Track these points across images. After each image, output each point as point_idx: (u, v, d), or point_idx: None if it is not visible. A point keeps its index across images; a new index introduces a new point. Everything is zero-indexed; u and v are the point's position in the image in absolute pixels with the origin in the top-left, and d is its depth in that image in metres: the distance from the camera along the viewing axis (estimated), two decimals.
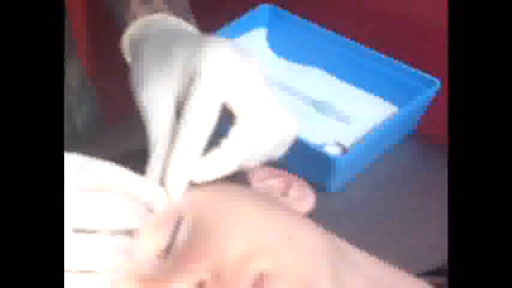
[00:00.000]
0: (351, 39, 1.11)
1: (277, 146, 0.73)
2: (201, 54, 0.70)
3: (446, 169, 1.04)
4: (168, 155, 0.69)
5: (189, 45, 0.72)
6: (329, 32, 1.13)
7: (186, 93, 0.70)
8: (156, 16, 0.78)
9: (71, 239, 0.62)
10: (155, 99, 0.72)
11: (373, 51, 1.10)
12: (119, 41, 0.79)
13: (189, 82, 0.70)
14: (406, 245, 0.83)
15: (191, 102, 0.68)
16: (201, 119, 0.69)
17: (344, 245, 0.74)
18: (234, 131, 0.69)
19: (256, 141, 0.71)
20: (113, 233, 0.64)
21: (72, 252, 0.63)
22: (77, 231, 0.62)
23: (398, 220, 0.97)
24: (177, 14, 0.78)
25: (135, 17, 0.78)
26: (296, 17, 1.16)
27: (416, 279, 0.76)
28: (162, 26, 0.77)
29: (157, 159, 0.69)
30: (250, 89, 0.70)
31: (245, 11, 1.16)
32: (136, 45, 0.77)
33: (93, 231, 0.63)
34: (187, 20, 0.78)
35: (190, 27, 0.78)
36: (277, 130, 0.72)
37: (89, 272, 0.64)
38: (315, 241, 0.71)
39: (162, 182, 0.68)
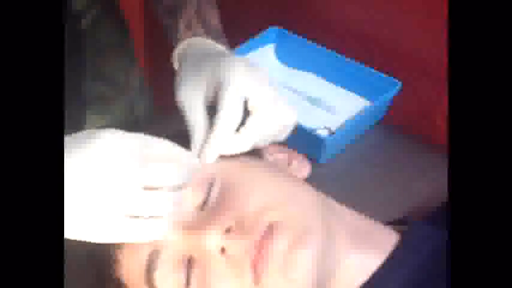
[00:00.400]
0: (337, 51, 1.11)
1: (281, 131, 0.73)
2: (225, 68, 0.70)
3: (403, 146, 1.04)
4: (205, 137, 0.68)
5: (216, 61, 0.71)
6: (320, 46, 1.13)
7: (212, 95, 0.69)
8: (195, 39, 0.77)
9: (141, 195, 0.61)
10: (190, 97, 0.71)
11: (353, 61, 1.10)
12: (170, 52, 0.79)
13: (216, 87, 0.69)
14: (376, 201, 0.83)
15: (222, 101, 0.68)
16: (231, 112, 0.69)
17: (331, 202, 0.74)
18: (249, 121, 0.69)
19: (265, 128, 0.70)
20: (169, 189, 0.63)
21: (143, 204, 0.61)
22: (145, 188, 0.61)
23: (370, 183, 0.97)
24: (211, 37, 0.78)
25: (181, 39, 0.77)
26: (296, 36, 1.16)
27: (383, 226, 0.76)
28: (199, 46, 0.77)
29: (197, 140, 0.69)
30: (260, 91, 0.70)
31: (259, 30, 1.16)
32: (181, 58, 0.77)
33: (156, 188, 0.62)
34: (218, 40, 0.78)
35: (219, 46, 0.77)
36: (280, 120, 0.72)
37: (155, 217, 0.63)
38: (311, 199, 0.71)
39: (199, 156, 0.67)
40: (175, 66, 0.77)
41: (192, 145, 0.68)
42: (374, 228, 0.74)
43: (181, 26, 0.78)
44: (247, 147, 0.69)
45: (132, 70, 1.05)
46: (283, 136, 0.74)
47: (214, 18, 0.80)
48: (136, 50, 1.10)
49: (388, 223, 0.77)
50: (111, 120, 1.03)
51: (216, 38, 0.78)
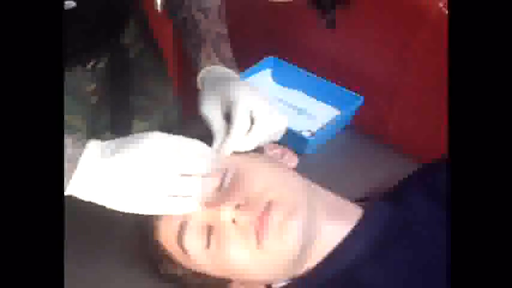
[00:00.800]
0: (317, 74, 1.11)
1: (276, 133, 0.72)
2: (235, 89, 0.70)
3: (364, 144, 1.04)
4: (224, 139, 0.68)
5: (227, 84, 0.71)
6: (304, 70, 1.13)
7: (226, 109, 0.69)
8: (213, 67, 0.77)
9: (179, 180, 0.61)
10: (210, 111, 0.71)
11: (329, 82, 1.10)
12: (194, 76, 0.79)
13: (228, 102, 0.69)
14: (346, 185, 0.82)
15: (235, 114, 0.68)
16: (242, 121, 0.69)
17: (313, 185, 0.75)
18: (254, 127, 0.69)
19: (264, 132, 0.70)
20: (198, 176, 0.63)
21: (179, 187, 0.61)
22: (181, 175, 0.61)
23: (341, 171, 0.97)
24: (225, 65, 0.77)
25: (203, 67, 0.77)
26: (287, 63, 1.15)
27: (351, 203, 0.76)
28: (216, 72, 0.76)
29: (219, 141, 0.68)
30: (260, 105, 0.70)
31: (260, 59, 1.16)
32: (202, 81, 0.77)
33: (189, 175, 0.62)
34: (230, 67, 0.78)
35: (231, 72, 0.77)
36: (275, 125, 0.71)
37: (187, 196, 0.63)
38: (299, 183, 0.71)
39: (220, 151, 0.68)
40: (199, 86, 0.77)
41: (215, 145, 0.68)
42: (344, 205, 0.74)
43: (203, 57, 0.78)
44: (253, 146, 0.69)
45: (166, 88, 1.05)
46: (278, 137, 0.73)
47: (227, 52, 0.79)
48: (170, 73, 1.10)
49: (355, 201, 0.77)
50: (150, 125, 1.02)
51: (228, 66, 0.78)
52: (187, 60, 0.83)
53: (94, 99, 0.91)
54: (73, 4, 0.74)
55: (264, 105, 0.70)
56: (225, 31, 0.81)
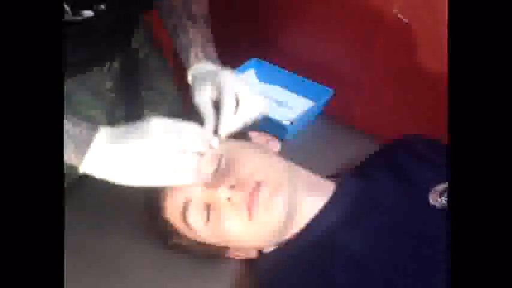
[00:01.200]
0: (294, 71, 1.11)
1: (257, 112, 0.71)
2: (222, 77, 0.69)
3: (335, 129, 1.03)
4: (215, 120, 0.68)
5: (215, 75, 0.71)
6: (283, 69, 1.12)
7: (215, 95, 0.69)
8: (202, 64, 0.76)
9: (177, 156, 0.60)
10: (201, 98, 0.70)
11: (304, 78, 1.09)
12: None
13: (217, 91, 0.69)
14: (320, 164, 0.82)
15: (224, 97, 0.67)
16: (230, 102, 0.67)
17: (293, 165, 0.75)
18: (239, 107, 0.68)
19: (248, 111, 0.69)
20: (193, 154, 0.62)
21: (177, 161, 0.60)
22: (179, 152, 0.60)
23: (316, 152, 0.96)
24: (213, 62, 0.77)
25: (192, 64, 0.76)
26: (268, 63, 1.14)
27: (325, 179, 0.76)
28: (205, 68, 0.76)
29: (208, 122, 0.68)
30: (244, 89, 0.69)
31: (244, 60, 1.15)
32: (194, 77, 0.76)
33: (185, 151, 0.61)
34: (217, 64, 0.77)
35: (217, 67, 0.76)
36: (257, 106, 0.70)
37: (187, 170, 0.61)
38: (281, 165, 0.72)
39: (214, 132, 0.67)
40: (190, 82, 0.77)
41: (207, 126, 0.67)
42: (320, 181, 0.75)
43: (192, 56, 0.77)
44: (241, 124, 0.69)
45: (170, 85, 1.05)
46: (259, 115, 0.72)
47: (213, 53, 0.79)
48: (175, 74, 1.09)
49: (328, 177, 0.77)
50: (158, 115, 1.01)
51: (214, 64, 0.77)
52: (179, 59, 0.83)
53: (111, 95, 0.90)
54: (91, 14, 0.73)
55: (247, 89, 0.70)
56: (210, 36, 0.81)
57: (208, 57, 0.77)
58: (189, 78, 0.77)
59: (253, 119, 0.72)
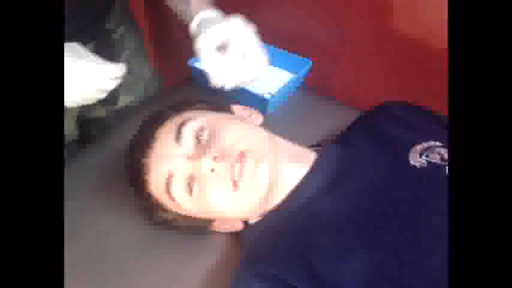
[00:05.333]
0: (273, 44, 1.10)
1: (260, 68, 0.73)
2: (233, 23, 0.70)
3: (315, 100, 1.03)
4: (216, 69, 0.70)
5: (222, 21, 0.71)
6: (265, 43, 1.10)
7: (221, 43, 0.69)
8: (207, 11, 0.76)
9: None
10: (205, 43, 0.71)
11: (282, 50, 1.08)
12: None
13: (223, 38, 0.69)
14: (302, 134, 0.83)
15: (232, 47, 0.69)
16: (237, 55, 0.69)
17: (275, 136, 0.76)
18: (245, 62, 0.70)
19: (253, 67, 0.71)
20: None
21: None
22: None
23: (297, 123, 0.96)
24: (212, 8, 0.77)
25: (195, 13, 0.76)
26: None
27: (307, 148, 0.77)
28: (210, 15, 0.75)
29: (210, 70, 0.70)
30: (253, 43, 0.70)
31: None
32: (198, 25, 0.75)
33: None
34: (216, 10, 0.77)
35: (219, 14, 0.76)
36: (261, 64, 0.72)
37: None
38: (264, 136, 0.72)
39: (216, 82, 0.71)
40: (194, 33, 0.75)
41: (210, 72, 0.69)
42: (302, 151, 0.75)
43: (194, 7, 0.77)
44: (245, 78, 0.69)
45: (146, 65, 1.04)
46: (261, 73, 0.73)
47: (211, 4, 0.79)
48: (149, 53, 1.08)
49: (309, 146, 0.78)
50: (134, 97, 1.01)
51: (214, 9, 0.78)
52: (165, 40, 0.81)
53: None
54: None
55: (256, 42, 0.69)
56: None
57: (211, 4, 0.76)
58: (193, 25, 0.76)
59: (254, 76, 0.72)
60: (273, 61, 1.09)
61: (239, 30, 0.68)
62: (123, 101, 0.99)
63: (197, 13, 0.75)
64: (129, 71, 0.98)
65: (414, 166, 0.67)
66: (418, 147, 0.68)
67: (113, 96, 0.93)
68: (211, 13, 0.75)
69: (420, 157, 0.68)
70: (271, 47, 1.09)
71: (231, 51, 0.66)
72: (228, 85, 0.70)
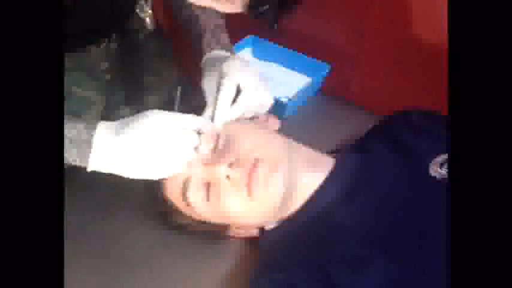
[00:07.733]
0: (292, 49, 1.09)
1: (261, 107, 0.72)
2: (227, 64, 0.69)
3: (333, 105, 1.02)
4: (212, 109, 0.68)
5: (223, 61, 0.70)
6: (281, 46, 1.11)
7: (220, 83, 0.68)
8: (213, 51, 0.77)
9: (180, 133, 0.61)
10: (208, 84, 0.70)
11: (301, 54, 1.08)
12: (193, 60, 0.79)
13: (221, 78, 0.68)
14: (319, 140, 0.82)
15: (222, 86, 0.67)
16: (227, 93, 0.67)
17: (293, 142, 0.75)
18: (238, 98, 0.68)
19: (248, 104, 0.69)
20: (194, 131, 0.63)
21: (179, 139, 0.61)
22: (183, 128, 0.61)
23: (315, 129, 0.96)
24: (224, 49, 0.78)
25: (204, 52, 0.78)
26: (267, 40, 1.13)
27: (325, 154, 0.76)
28: (216, 54, 0.76)
29: (208, 109, 0.68)
30: (247, 80, 0.69)
31: (241, 39, 1.13)
32: (205, 63, 0.76)
33: (185, 129, 0.62)
34: (227, 51, 0.78)
35: (228, 53, 0.77)
36: (259, 99, 0.70)
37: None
38: (281, 142, 0.72)
39: (212, 119, 0.67)
40: (202, 66, 0.77)
41: (206, 112, 0.68)
42: (320, 157, 0.75)
43: (204, 45, 0.78)
44: (236, 116, 0.68)
45: (171, 68, 1.04)
46: (263, 111, 0.73)
47: (224, 38, 0.80)
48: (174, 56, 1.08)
49: (328, 153, 0.77)
50: (158, 99, 1.01)
51: (225, 50, 0.78)
52: (186, 47, 0.82)
53: (107, 77, 0.89)
54: None
55: (251, 80, 0.69)
56: (221, 22, 0.81)
57: (220, 44, 0.77)
58: (203, 64, 0.77)
59: (254, 114, 0.72)
60: (291, 65, 1.10)
61: (231, 72, 0.68)
62: (147, 101, 0.99)
63: (204, 53, 0.77)
64: (154, 73, 0.99)
65: (434, 177, 0.66)
66: (438, 158, 0.68)
67: (135, 99, 0.93)
68: (218, 53, 0.76)
69: (441, 168, 0.67)
70: (291, 50, 1.09)
71: (220, 92, 0.67)
72: (223, 121, 0.70)
